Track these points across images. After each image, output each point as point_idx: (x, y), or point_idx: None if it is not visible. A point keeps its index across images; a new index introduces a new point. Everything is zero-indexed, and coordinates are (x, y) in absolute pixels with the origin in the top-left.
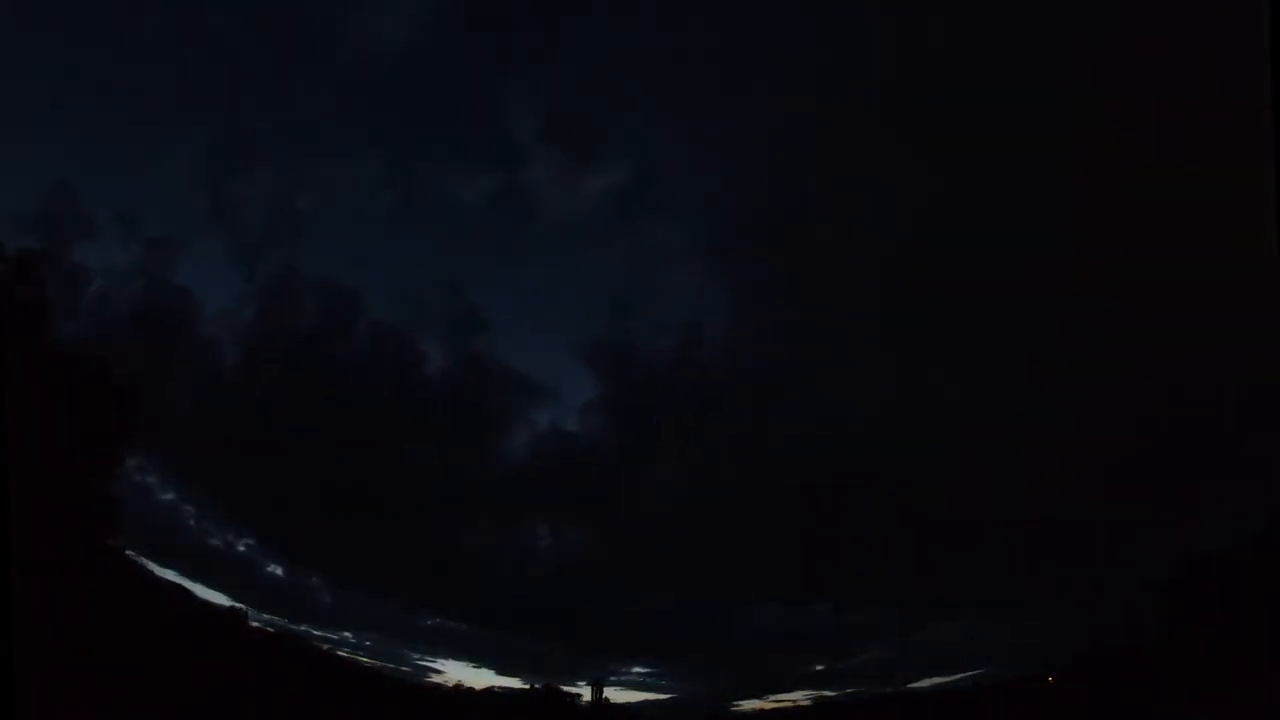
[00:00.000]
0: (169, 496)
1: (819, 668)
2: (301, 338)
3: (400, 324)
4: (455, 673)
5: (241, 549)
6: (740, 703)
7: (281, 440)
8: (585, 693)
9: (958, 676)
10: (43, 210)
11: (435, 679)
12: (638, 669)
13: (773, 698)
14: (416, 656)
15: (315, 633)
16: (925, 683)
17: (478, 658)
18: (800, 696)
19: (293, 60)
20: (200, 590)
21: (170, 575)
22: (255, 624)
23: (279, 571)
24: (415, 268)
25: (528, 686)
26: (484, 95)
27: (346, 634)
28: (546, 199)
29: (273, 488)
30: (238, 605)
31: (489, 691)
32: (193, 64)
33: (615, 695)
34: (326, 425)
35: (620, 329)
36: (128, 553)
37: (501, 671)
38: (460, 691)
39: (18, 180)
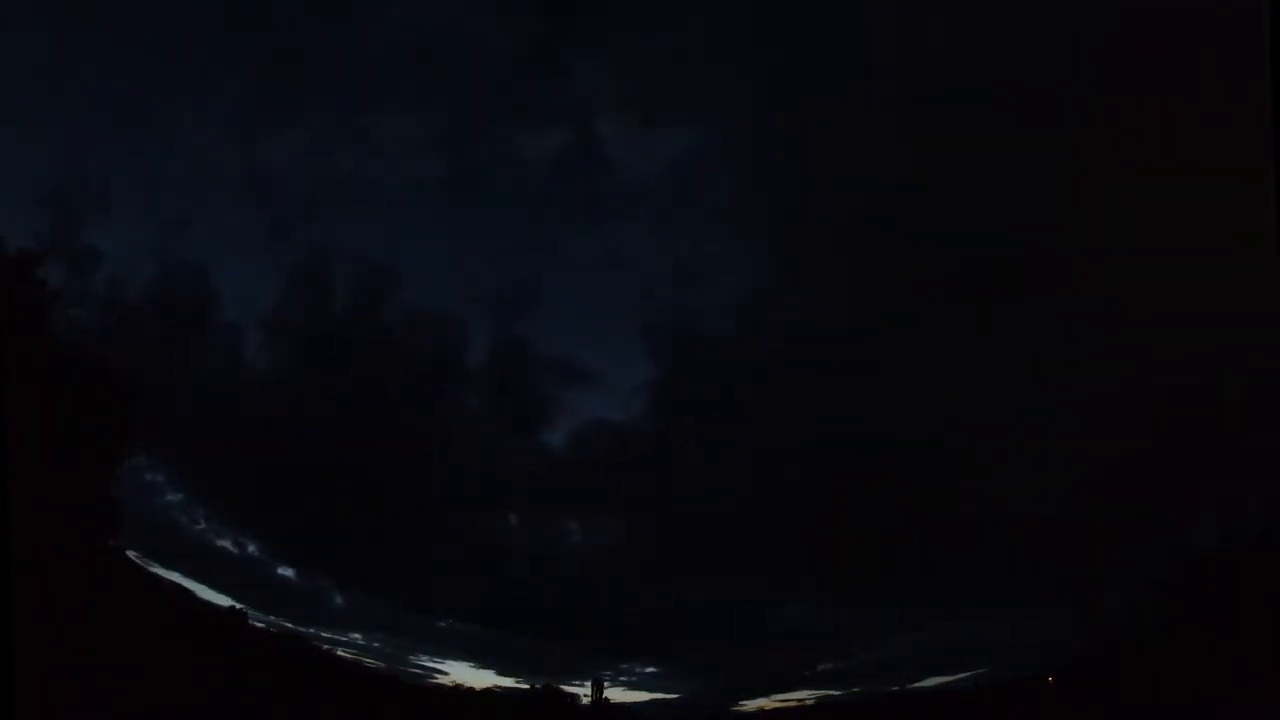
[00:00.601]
0: (177, 497)
1: (819, 667)
2: (331, 323)
3: (442, 304)
4: (460, 674)
5: (252, 550)
6: (742, 703)
7: (298, 437)
8: (586, 692)
9: (958, 676)
10: (51, 189)
11: (438, 680)
12: (640, 669)
13: (775, 697)
14: (425, 658)
15: (324, 634)
16: (925, 683)
17: (481, 658)
18: (802, 696)
19: (332, 11)
20: (205, 592)
21: (174, 577)
22: (259, 624)
23: (290, 574)
24: (463, 238)
25: (528, 686)
26: (547, 48)
27: (356, 635)
28: (612, 162)
29: (287, 487)
30: (238, 606)
31: (489, 691)
32: (220, 19)
33: (616, 695)
34: (351, 421)
35: (679, 307)
36: (129, 553)
37: (502, 671)
38: (460, 692)
39: (23, 159)
